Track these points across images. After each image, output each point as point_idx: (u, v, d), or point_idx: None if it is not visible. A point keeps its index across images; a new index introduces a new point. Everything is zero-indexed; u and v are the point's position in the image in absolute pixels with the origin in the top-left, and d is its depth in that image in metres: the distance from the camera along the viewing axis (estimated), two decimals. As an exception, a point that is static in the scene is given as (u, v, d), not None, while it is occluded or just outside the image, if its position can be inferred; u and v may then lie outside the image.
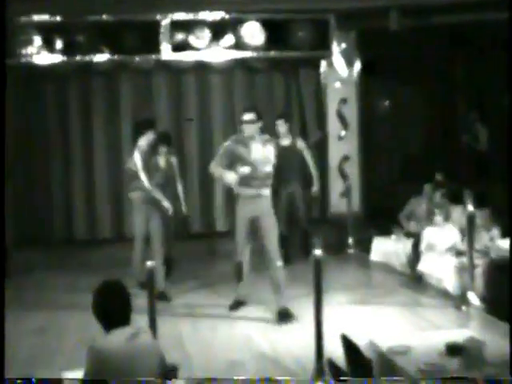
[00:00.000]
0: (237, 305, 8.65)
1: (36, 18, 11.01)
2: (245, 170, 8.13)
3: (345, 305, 8.75)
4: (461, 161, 14.16)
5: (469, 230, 8.38)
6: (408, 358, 5.06)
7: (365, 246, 11.45)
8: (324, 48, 11.99)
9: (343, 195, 12.29)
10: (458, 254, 8.94)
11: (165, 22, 11.30)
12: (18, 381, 4.48)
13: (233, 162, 8.20)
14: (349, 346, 5.08)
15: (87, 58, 11.30)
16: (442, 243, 9.45)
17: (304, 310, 7.69)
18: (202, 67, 12.31)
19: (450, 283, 8.79)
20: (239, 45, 11.58)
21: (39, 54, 11.08)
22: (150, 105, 12.48)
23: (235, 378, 5.81)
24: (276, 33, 11.62)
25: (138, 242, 9.31)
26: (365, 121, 12.74)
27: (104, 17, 11.18)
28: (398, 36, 11.89)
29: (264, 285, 8.55)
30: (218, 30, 11.52)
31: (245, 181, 8.17)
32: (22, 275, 10.66)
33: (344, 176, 12.40)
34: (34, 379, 4.47)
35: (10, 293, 7.12)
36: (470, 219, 8.38)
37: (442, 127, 14.54)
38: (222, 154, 8.30)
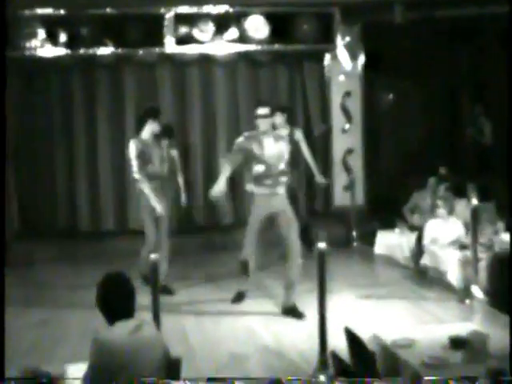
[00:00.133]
0: (239, 297, 8.60)
1: (40, 11, 11.01)
2: (259, 168, 8.02)
3: (348, 298, 8.75)
4: (465, 154, 14.15)
5: (473, 224, 8.37)
6: (411, 352, 5.06)
7: (369, 240, 11.45)
8: (328, 41, 11.98)
9: (347, 188, 12.29)
10: (462, 247, 8.93)
11: (169, 15, 11.29)
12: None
13: (247, 159, 8.09)
14: (352, 339, 5.09)
15: (91, 51, 11.31)
16: (446, 236, 9.44)
17: (308, 303, 7.70)
18: (205, 60, 12.31)
19: (454, 277, 8.78)
20: (243, 38, 11.57)
21: (43, 47, 11.08)
22: (154, 98, 12.46)
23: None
24: (280, 26, 11.61)
25: (149, 232, 9.01)
26: (369, 114, 12.74)
27: (108, 10, 11.18)
28: (402, 29, 11.87)
29: (269, 280, 8.55)
30: (221, 24, 11.51)
31: (259, 179, 8.05)
32: (25, 266, 10.67)
33: (348, 169, 12.40)
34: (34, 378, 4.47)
35: (11, 284, 7.12)
36: (474, 213, 8.37)
37: (446, 120, 14.53)
38: (234, 151, 8.19)
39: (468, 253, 8.56)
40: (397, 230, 10.91)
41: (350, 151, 12.45)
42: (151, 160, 8.98)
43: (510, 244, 8.20)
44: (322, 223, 10.85)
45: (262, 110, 8.10)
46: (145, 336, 4.22)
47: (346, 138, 12.46)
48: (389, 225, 11.12)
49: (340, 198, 12.41)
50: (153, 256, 6.41)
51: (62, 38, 11.13)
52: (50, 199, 12.43)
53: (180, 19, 11.37)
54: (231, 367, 6.46)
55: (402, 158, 13.86)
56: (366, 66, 12.35)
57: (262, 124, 8.09)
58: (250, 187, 8.17)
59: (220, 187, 8.05)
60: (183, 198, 9.93)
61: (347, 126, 12.42)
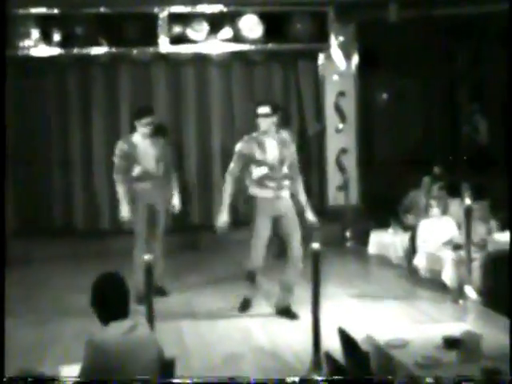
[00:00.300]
0: (245, 305, 8.28)
1: (34, 10, 11.00)
2: (260, 170, 7.83)
3: (342, 298, 8.76)
4: (460, 153, 14.16)
5: (466, 223, 8.37)
6: (405, 352, 5.07)
7: (362, 239, 11.46)
8: (322, 40, 11.99)
9: (341, 188, 12.30)
10: (456, 247, 8.94)
11: (163, 14, 11.30)
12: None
13: (247, 163, 7.89)
14: (346, 339, 5.09)
15: (85, 50, 11.31)
16: (440, 236, 9.44)
17: (301, 303, 7.70)
18: (200, 60, 12.30)
19: (448, 276, 8.78)
20: (237, 37, 11.58)
21: (37, 47, 11.07)
22: (149, 97, 12.45)
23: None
24: (274, 25, 11.62)
25: (139, 242, 8.73)
26: (363, 113, 12.74)
27: (102, 9, 11.18)
28: (397, 28, 11.88)
29: (264, 280, 8.53)
30: (215, 23, 11.52)
31: (261, 182, 7.86)
32: (20, 265, 10.64)
33: (342, 169, 12.41)
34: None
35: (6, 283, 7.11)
36: (468, 212, 8.37)
37: (441, 119, 14.54)
38: (235, 160, 7.94)
39: (462, 252, 8.57)
40: (390, 230, 10.92)
41: (344, 151, 12.46)
42: (140, 160, 8.77)
43: (510, 243, 8.18)
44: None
45: (263, 109, 7.85)
46: (139, 337, 4.23)
47: (340, 137, 12.47)
48: (383, 224, 11.12)
49: (334, 197, 12.42)
50: (146, 257, 6.40)
51: (56, 37, 11.14)
52: (45, 198, 12.42)
53: (174, 19, 11.38)
54: (225, 368, 6.46)
55: (396, 157, 13.87)
56: (361, 65, 12.36)
57: (263, 123, 7.83)
58: (252, 190, 7.95)
59: (224, 218, 8.03)
60: (177, 201, 9.20)
61: (341, 126, 12.43)
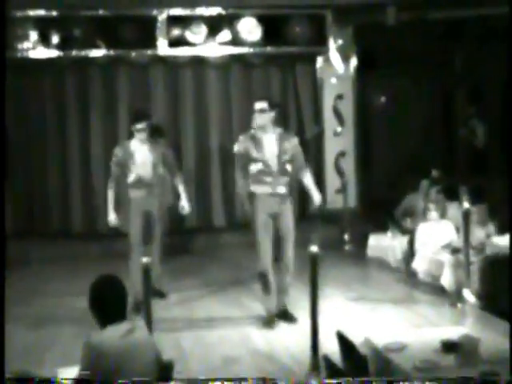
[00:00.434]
0: (270, 321, 7.84)
1: (32, 12, 11.00)
2: (257, 166, 7.72)
3: (340, 301, 8.75)
4: (458, 156, 14.17)
5: (464, 227, 8.37)
6: (403, 355, 5.06)
7: (361, 243, 11.45)
8: (321, 44, 12.02)
9: (339, 191, 12.29)
10: (454, 251, 8.93)
11: (161, 17, 11.30)
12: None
13: (245, 162, 7.80)
14: (344, 342, 5.09)
15: (84, 52, 11.31)
16: (438, 240, 9.44)
17: (300, 306, 7.70)
18: (198, 62, 12.31)
19: (446, 280, 8.78)
20: (236, 40, 11.59)
21: (36, 49, 11.07)
22: (147, 99, 12.46)
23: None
24: (272, 28, 11.64)
25: (134, 252, 8.55)
26: (361, 117, 12.75)
27: (101, 12, 11.19)
28: (395, 31, 11.89)
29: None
30: (214, 26, 11.54)
31: (258, 177, 7.75)
32: (18, 267, 10.62)
33: (340, 172, 12.40)
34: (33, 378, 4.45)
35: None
36: (466, 215, 8.36)
37: (439, 122, 14.55)
38: (237, 163, 7.92)
39: (460, 256, 8.56)
40: (389, 233, 10.92)
41: (342, 154, 12.46)
42: (135, 167, 8.64)
43: (510, 247, 8.18)
44: (314, 226, 10.82)
45: (259, 105, 7.77)
46: (137, 339, 4.22)
47: (339, 140, 12.47)
48: (381, 228, 11.12)
49: (332, 200, 12.40)
50: (144, 259, 6.40)
51: (55, 39, 11.16)
52: (43, 200, 12.42)
53: (173, 21, 11.39)
54: (223, 370, 6.45)
55: (394, 160, 13.88)
56: (359, 68, 12.37)
57: (259, 119, 7.75)
58: (251, 187, 7.82)
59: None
60: (185, 204, 9.03)
61: (339, 129, 12.43)
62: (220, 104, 12.80)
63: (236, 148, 7.93)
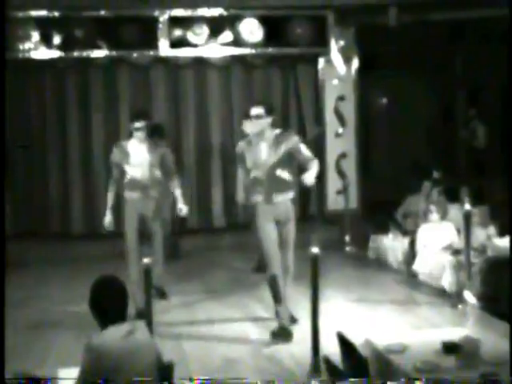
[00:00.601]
0: (283, 333, 7.45)
1: (34, 13, 11.00)
2: (252, 174, 7.54)
3: (341, 302, 8.75)
4: (459, 157, 14.18)
5: (465, 228, 8.36)
6: (404, 357, 5.05)
7: (362, 244, 11.46)
8: (322, 45, 11.99)
9: (340, 192, 12.28)
10: (455, 252, 8.93)
11: (163, 18, 11.29)
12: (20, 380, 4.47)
13: (246, 169, 7.64)
14: (345, 344, 5.08)
15: (85, 53, 11.29)
16: (439, 241, 9.44)
17: (300, 307, 7.69)
18: (200, 63, 12.31)
19: (447, 281, 8.78)
20: (237, 41, 11.58)
21: (37, 50, 11.06)
22: (148, 100, 12.47)
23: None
24: (274, 29, 11.62)
25: (131, 257, 8.44)
26: (362, 118, 12.74)
27: (102, 12, 11.18)
28: (397, 32, 11.89)
29: (262, 283, 8.49)
30: (216, 27, 11.52)
31: (254, 187, 7.56)
32: (17, 268, 10.61)
33: (341, 173, 12.39)
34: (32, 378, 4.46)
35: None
36: (467, 217, 8.35)
37: (440, 124, 14.56)
38: (238, 167, 7.88)
39: (461, 257, 8.56)
40: (390, 235, 10.91)
41: (343, 155, 12.44)
42: (131, 168, 8.48)
43: (510, 247, 8.17)
44: (315, 227, 10.83)
45: (255, 110, 7.51)
46: (137, 340, 4.22)
47: (340, 141, 12.45)
48: (382, 229, 11.12)
49: (333, 202, 12.40)
50: (145, 260, 6.40)
51: (57, 40, 11.13)
52: (43, 201, 12.42)
53: (174, 22, 11.37)
54: (224, 371, 6.45)
55: (395, 162, 13.88)
56: (360, 69, 12.36)
57: (256, 125, 7.52)
58: (251, 195, 7.68)
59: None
60: (182, 206, 8.73)
61: (341, 130, 12.41)
62: (221, 105, 12.80)
63: (237, 151, 7.81)
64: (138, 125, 8.48)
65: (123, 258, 8.72)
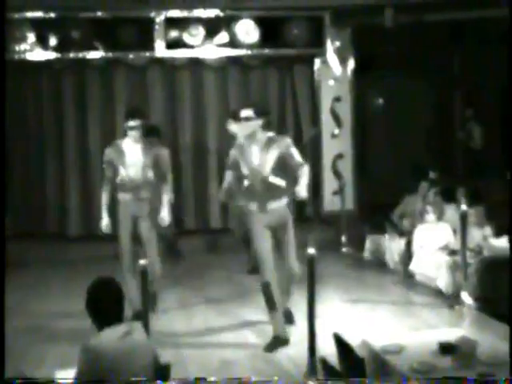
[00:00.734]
0: (276, 343, 7.26)
1: (30, 14, 11.00)
2: (244, 181, 7.35)
3: (337, 303, 8.75)
4: (456, 158, 14.19)
5: (462, 229, 8.37)
6: (401, 358, 5.05)
7: (358, 244, 11.45)
8: (318, 46, 12.01)
9: (336, 193, 12.28)
10: (452, 253, 8.94)
11: (159, 19, 11.30)
12: (17, 381, 4.46)
13: (238, 174, 7.42)
14: (341, 345, 5.08)
15: (81, 54, 11.30)
16: (435, 242, 9.44)
17: (297, 308, 7.69)
18: (196, 64, 12.31)
19: (443, 282, 8.79)
20: (233, 42, 11.59)
21: (33, 51, 11.06)
22: (145, 101, 12.45)
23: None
24: (270, 30, 11.64)
25: (125, 261, 8.27)
26: (359, 119, 12.75)
27: (98, 13, 11.18)
28: (393, 33, 11.90)
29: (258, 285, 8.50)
30: (212, 28, 11.54)
31: (246, 194, 7.41)
32: (14, 269, 10.58)
33: (338, 174, 12.40)
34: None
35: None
36: (463, 217, 8.36)
37: (436, 125, 14.57)
38: (226, 170, 7.62)
39: (457, 258, 8.57)
40: (386, 235, 10.90)
41: (339, 156, 12.45)
42: (124, 168, 8.22)
43: (510, 248, 8.18)
44: (311, 228, 10.83)
45: (244, 113, 7.30)
46: (134, 341, 4.22)
47: (336, 142, 12.46)
48: (378, 230, 11.11)
49: (330, 202, 12.40)
50: (142, 261, 6.40)
51: (53, 41, 11.14)
52: (39, 202, 12.40)
53: (170, 23, 11.39)
54: (221, 372, 6.45)
55: (391, 162, 13.89)
56: (357, 70, 12.37)
57: (244, 127, 7.35)
58: (243, 202, 7.59)
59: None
60: (164, 213, 8.43)
61: (337, 131, 12.42)
62: (217, 106, 12.79)
63: (230, 154, 7.58)
64: (132, 123, 8.20)
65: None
